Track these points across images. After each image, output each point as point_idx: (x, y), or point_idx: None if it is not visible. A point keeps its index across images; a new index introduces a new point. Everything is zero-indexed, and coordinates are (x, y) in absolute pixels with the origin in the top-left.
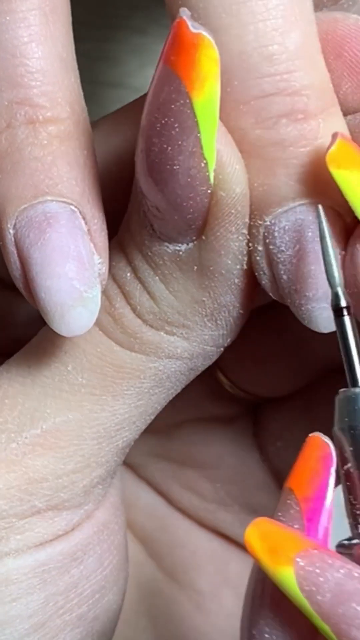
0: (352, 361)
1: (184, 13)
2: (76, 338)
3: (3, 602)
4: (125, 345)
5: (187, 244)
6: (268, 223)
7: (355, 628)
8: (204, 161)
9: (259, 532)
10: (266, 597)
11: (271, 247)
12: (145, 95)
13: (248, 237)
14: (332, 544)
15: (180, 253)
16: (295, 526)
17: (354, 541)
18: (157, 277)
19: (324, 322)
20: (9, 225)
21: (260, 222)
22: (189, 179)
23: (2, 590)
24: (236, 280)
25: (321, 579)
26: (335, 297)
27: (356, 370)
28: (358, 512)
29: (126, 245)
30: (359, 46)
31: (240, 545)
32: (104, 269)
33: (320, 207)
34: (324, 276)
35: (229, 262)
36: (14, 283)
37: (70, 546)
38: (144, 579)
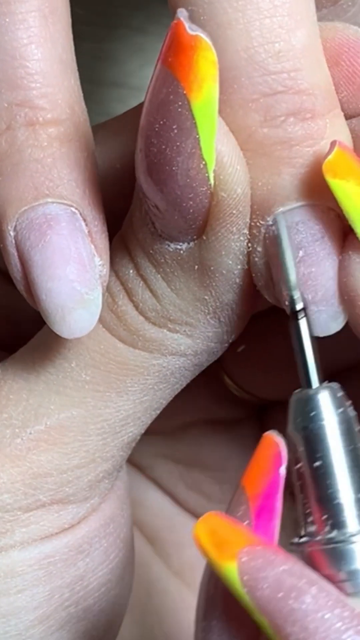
0: (306, 363)
1: (182, 14)
2: None
3: (8, 593)
4: (128, 342)
5: (188, 243)
6: (270, 223)
7: (290, 624)
8: (203, 162)
9: (206, 527)
10: (218, 598)
11: (272, 248)
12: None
13: (249, 237)
14: None
15: (182, 252)
16: (245, 523)
17: (303, 539)
18: (159, 275)
19: (321, 325)
20: (9, 228)
21: (261, 223)
22: (188, 180)
23: (7, 582)
24: (237, 280)
25: (262, 574)
26: (291, 300)
27: (309, 372)
28: (308, 511)
29: (128, 241)
30: (355, 56)
31: None
32: (105, 270)
33: (280, 211)
34: (324, 278)
35: (230, 262)
36: None
37: (76, 539)
38: (152, 577)
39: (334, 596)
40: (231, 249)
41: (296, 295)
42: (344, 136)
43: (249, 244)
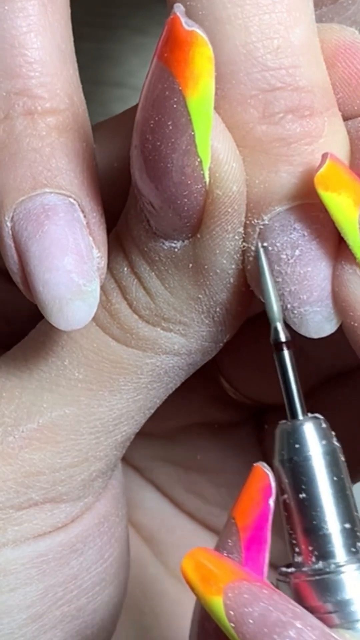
0: (291, 394)
1: (178, 9)
2: (73, 333)
3: (1, 591)
4: (122, 340)
5: (183, 241)
6: (266, 221)
7: None
8: (198, 159)
9: (193, 562)
10: (212, 630)
11: (268, 247)
12: None
13: (243, 236)
14: None
15: (176, 250)
16: (234, 554)
17: (290, 570)
18: (153, 273)
19: (316, 326)
20: (6, 218)
21: (256, 221)
22: (182, 177)
23: (0, 580)
24: (232, 280)
25: (247, 609)
26: (275, 332)
27: (294, 403)
28: (294, 541)
29: (123, 239)
30: (352, 58)
31: None
32: (103, 263)
33: (259, 243)
34: (319, 278)
35: (224, 261)
36: None
37: (69, 537)
38: (149, 579)
39: (318, 630)
40: (225, 247)
41: (280, 326)
42: (341, 135)
43: (244, 243)
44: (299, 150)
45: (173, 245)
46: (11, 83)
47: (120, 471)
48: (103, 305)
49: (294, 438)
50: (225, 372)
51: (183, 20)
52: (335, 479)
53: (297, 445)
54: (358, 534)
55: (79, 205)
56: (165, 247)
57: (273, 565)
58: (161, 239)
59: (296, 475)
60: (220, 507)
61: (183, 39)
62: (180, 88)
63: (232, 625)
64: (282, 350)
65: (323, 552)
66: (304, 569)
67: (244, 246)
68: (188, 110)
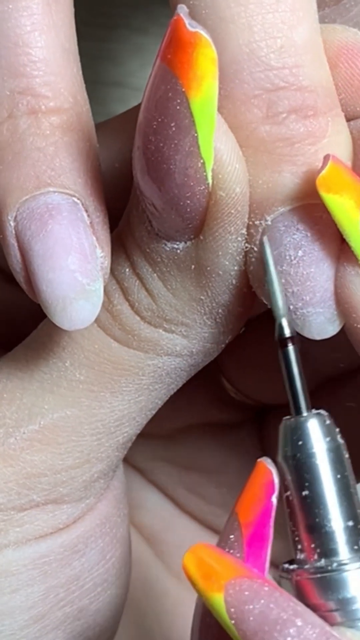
0: (296, 390)
1: (182, 10)
2: (74, 334)
3: (3, 593)
4: (123, 342)
5: (185, 243)
6: (269, 222)
7: None
8: (201, 161)
9: (195, 558)
10: (213, 626)
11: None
12: None
13: (246, 237)
14: None
15: (178, 251)
16: (236, 550)
17: (293, 566)
18: (155, 274)
19: (318, 327)
20: (9, 217)
21: (259, 222)
22: (185, 179)
23: (1, 582)
24: (234, 281)
25: (248, 606)
26: (280, 328)
27: (299, 399)
28: (297, 538)
29: (125, 240)
30: (354, 59)
31: None
32: (107, 262)
33: (265, 238)
34: (322, 279)
35: (227, 262)
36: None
37: (71, 538)
38: (151, 579)
39: (319, 628)
40: (228, 249)
41: (285, 322)
42: (345, 136)
43: (246, 244)
44: (303, 151)
45: (175, 246)
46: (15, 82)
47: (122, 472)
48: (105, 306)
49: (298, 434)
50: (227, 373)
51: (187, 21)
52: (338, 476)
53: (300, 442)
54: None
55: (82, 204)
56: (168, 249)
57: (274, 564)
58: (163, 240)
59: (299, 472)
60: (221, 507)
61: (186, 40)
62: (183, 89)
63: (233, 622)
64: (287, 346)
65: (326, 549)
66: (307, 566)
67: (246, 247)
68: (191, 112)
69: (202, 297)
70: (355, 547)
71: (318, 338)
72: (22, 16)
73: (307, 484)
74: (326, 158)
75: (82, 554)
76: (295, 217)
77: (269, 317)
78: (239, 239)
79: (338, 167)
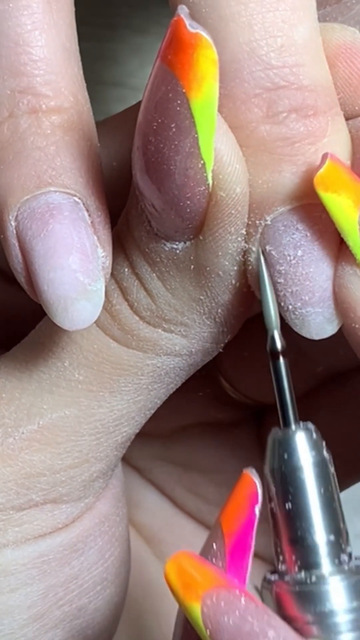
0: (285, 402)
1: (182, 11)
2: (73, 334)
3: (2, 592)
4: (122, 342)
5: (185, 243)
6: (269, 222)
7: None
8: (202, 161)
9: (176, 567)
10: (194, 635)
11: (269, 247)
12: None
13: (245, 237)
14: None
15: (177, 251)
16: (218, 560)
17: (274, 577)
18: (154, 274)
19: (317, 327)
20: (10, 217)
21: (259, 222)
22: (185, 179)
23: (0, 581)
24: (233, 281)
25: (223, 618)
26: (272, 341)
27: (287, 412)
28: (279, 549)
29: (124, 239)
30: (353, 58)
31: None
32: (108, 262)
33: (260, 249)
34: (321, 279)
35: (226, 263)
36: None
37: (70, 537)
38: (149, 578)
39: None
40: (228, 249)
41: (276, 335)
42: (344, 135)
43: (245, 244)
44: (303, 150)
45: (174, 246)
46: (15, 81)
47: (121, 470)
48: (104, 306)
49: (284, 448)
50: (225, 372)
51: (187, 22)
52: (322, 490)
53: (286, 455)
54: (343, 546)
55: (83, 204)
56: (167, 249)
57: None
58: (162, 240)
59: (284, 485)
60: (220, 507)
61: (187, 41)
62: (184, 90)
63: (208, 632)
64: (277, 359)
65: (306, 562)
66: (287, 577)
67: (245, 247)
68: (192, 113)
69: (201, 297)
70: (336, 560)
71: (317, 338)
72: (23, 15)
73: (291, 497)
74: (324, 157)
75: (81, 553)
76: (295, 216)
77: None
78: (239, 239)
79: (336, 166)
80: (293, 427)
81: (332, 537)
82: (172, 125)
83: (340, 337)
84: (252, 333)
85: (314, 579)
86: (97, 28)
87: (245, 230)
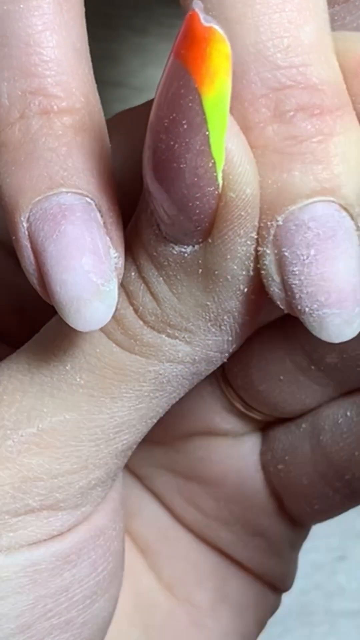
0: None
1: (197, 5)
2: (76, 338)
3: None
4: (125, 346)
5: (193, 246)
6: (280, 222)
7: None
8: (212, 160)
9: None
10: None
11: (283, 248)
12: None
13: (257, 240)
14: None
15: (186, 255)
16: None
17: None
18: (161, 278)
19: (336, 330)
20: (22, 219)
21: (271, 223)
22: (195, 179)
23: None
24: (241, 287)
25: None
26: None
27: None
28: None
29: (132, 243)
30: None
31: (241, 565)
32: (120, 263)
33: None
34: (337, 279)
35: (235, 267)
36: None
37: (64, 548)
38: (142, 589)
39: None
40: (237, 253)
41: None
42: (354, 133)
43: (259, 247)
44: (311, 148)
45: (183, 250)
46: (27, 82)
47: (121, 483)
48: None
49: None
50: (233, 382)
51: (201, 16)
52: None
53: None
54: None
55: (95, 204)
56: (175, 252)
57: None
58: (171, 243)
59: None
60: (218, 521)
61: (200, 35)
62: (196, 86)
63: None
64: None
65: None
66: None
67: (259, 250)
68: (203, 109)
69: (208, 303)
70: None
71: (337, 341)
72: (34, 16)
73: None
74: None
75: (74, 565)
76: (306, 215)
77: (278, 326)
78: (248, 242)
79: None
80: None
81: None
82: (184, 122)
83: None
84: (260, 346)
85: None
86: (97, 28)
87: (258, 233)
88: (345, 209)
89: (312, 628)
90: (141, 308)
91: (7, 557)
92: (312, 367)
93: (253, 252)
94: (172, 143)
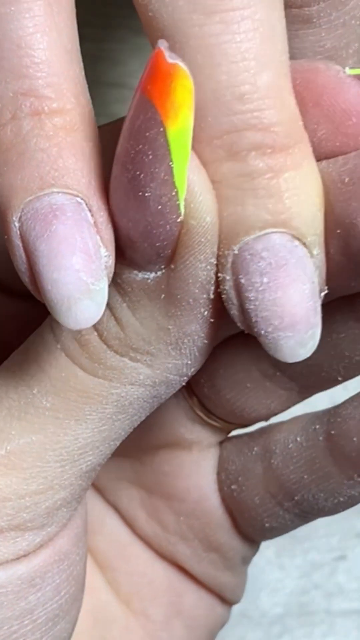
0: None
1: (162, 44)
2: (42, 363)
3: None
4: (90, 370)
5: (156, 272)
6: (236, 251)
7: None
8: (175, 190)
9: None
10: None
11: (239, 275)
12: None
13: (216, 266)
14: None
15: (149, 281)
16: None
17: None
18: (124, 304)
19: (290, 351)
20: (14, 218)
21: (228, 252)
22: (159, 207)
23: None
24: (202, 310)
25: None
26: None
27: None
28: None
29: None
30: (335, 96)
31: (196, 579)
32: (111, 262)
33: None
34: (290, 305)
35: (196, 291)
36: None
37: (29, 572)
38: (100, 605)
39: None
40: (198, 277)
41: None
42: (305, 168)
43: (219, 274)
44: (263, 184)
45: (146, 276)
46: (18, 84)
47: (86, 510)
48: (73, 335)
49: None
50: (199, 393)
51: (166, 53)
52: None
53: None
54: None
55: (86, 204)
56: (139, 279)
57: None
58: (134, 270)
59: None
60: (177, 536)
61: (166, 71)
62: (161, 119)
63: None
64: None
65: None
66: None
67: (219, 276)
68: (168, 141)
69: (169, 327)
70: None
71: (291, 361)
72: (25, 18)
73: None
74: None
75: (39, 589)
76: (260, 245)
77: (244, 335)
78: (208, 267)
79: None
80: None
81: None
82: (149, 153)
83: None
84: (228, 354)
85: None
86: (97, 29)
87: (218, 261)
88: (298, 239)
89: (311, 628)
90: (105, 333)
91: None
92: (278, 374)
93: (213, 277)
94: (137, 173)
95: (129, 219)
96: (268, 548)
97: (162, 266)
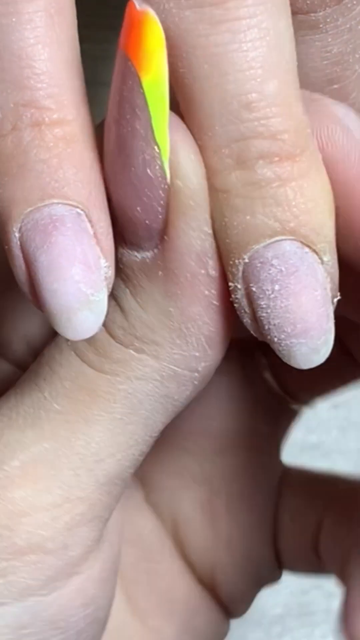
0: None
1: None
2: (53, 364)
3: None
4: (97, 367)
5: (154, 251)
6: (247, 260)
7: None
8: (157, 147)
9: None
10: None
11: (250, 284)
12: None
13: (212, 237)
14: None
15: (147, 260)
16: None
17: None
18: (127, 290)
19: (303, 358)
20: (14, 229)
21: (239, 260)
22: (145, 169)
23: None
24: (202, 289)
25: None
26: None
27: None
28: None
29: None
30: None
31: (217, 595)
32: (110, 272)
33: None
34: (301, 311)
35: (192, 263)
36: None
37: (53, 613)
38: (116, 624)
39: None
40: (192, 247)
41: None
42: (312, 176)
43: (230, 283)
44: (271, 193)
45: (144, 256)
46: (19, 95)
47: (115, 552)
48: None
49: None
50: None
51: (137, 3)
52: None
53: None
54: None
55: (86, 215)
56: (138, 260)
57: None
58: (134, 252)
59: None
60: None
61: (136, 19)
62: (134, 69)
63: None
64: None
65: None
66: None
67: (231, 285)
68: (143, 91)
69: (170, 309)
70: None
71: (305, 368)
72: (26, 29)
73: None
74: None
75: (62, 632)
76: (270, 253)
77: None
78: (202, 236)
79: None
80: None
81: None
82: (127, 106)
83: None
84: None
85: None
86: (96, 28)
87: (229, 270)
88: (308, 246)
89: (312, 628)
90: (110, 323)
91: None
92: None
93: (209, 249)
94: (123, 131)
95: (118, 187)
96: None
97: (158, 242)
